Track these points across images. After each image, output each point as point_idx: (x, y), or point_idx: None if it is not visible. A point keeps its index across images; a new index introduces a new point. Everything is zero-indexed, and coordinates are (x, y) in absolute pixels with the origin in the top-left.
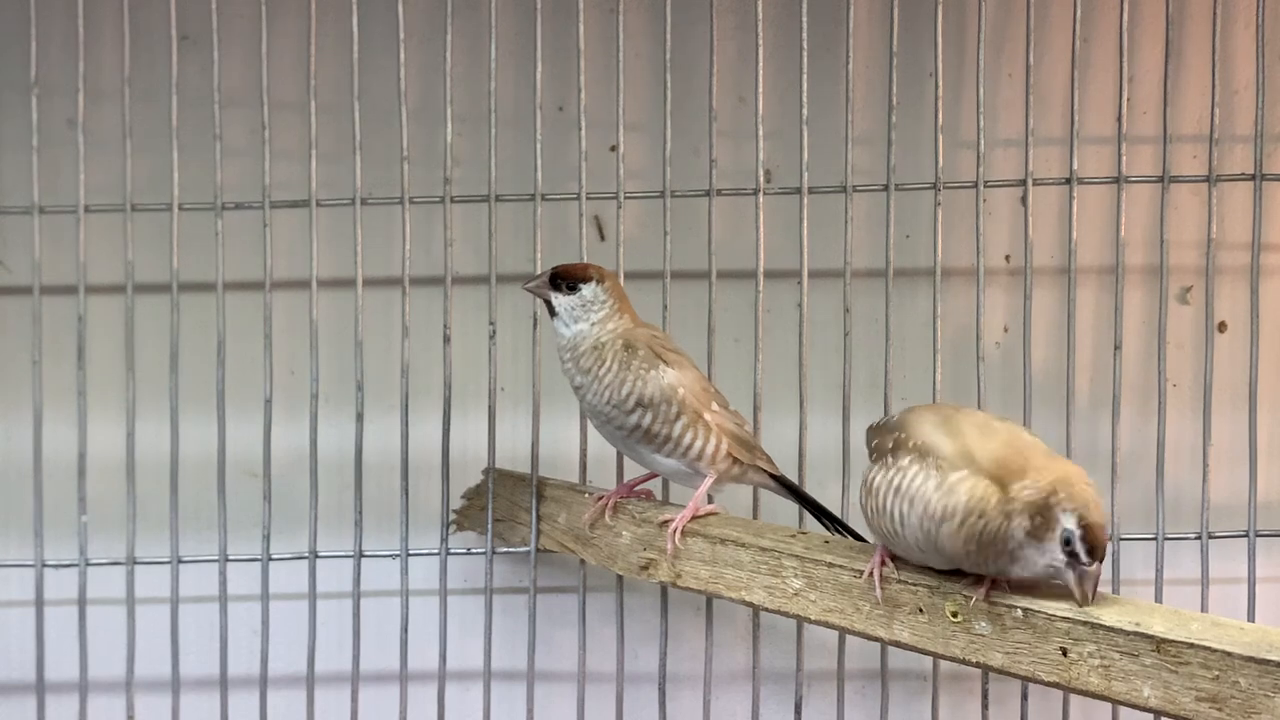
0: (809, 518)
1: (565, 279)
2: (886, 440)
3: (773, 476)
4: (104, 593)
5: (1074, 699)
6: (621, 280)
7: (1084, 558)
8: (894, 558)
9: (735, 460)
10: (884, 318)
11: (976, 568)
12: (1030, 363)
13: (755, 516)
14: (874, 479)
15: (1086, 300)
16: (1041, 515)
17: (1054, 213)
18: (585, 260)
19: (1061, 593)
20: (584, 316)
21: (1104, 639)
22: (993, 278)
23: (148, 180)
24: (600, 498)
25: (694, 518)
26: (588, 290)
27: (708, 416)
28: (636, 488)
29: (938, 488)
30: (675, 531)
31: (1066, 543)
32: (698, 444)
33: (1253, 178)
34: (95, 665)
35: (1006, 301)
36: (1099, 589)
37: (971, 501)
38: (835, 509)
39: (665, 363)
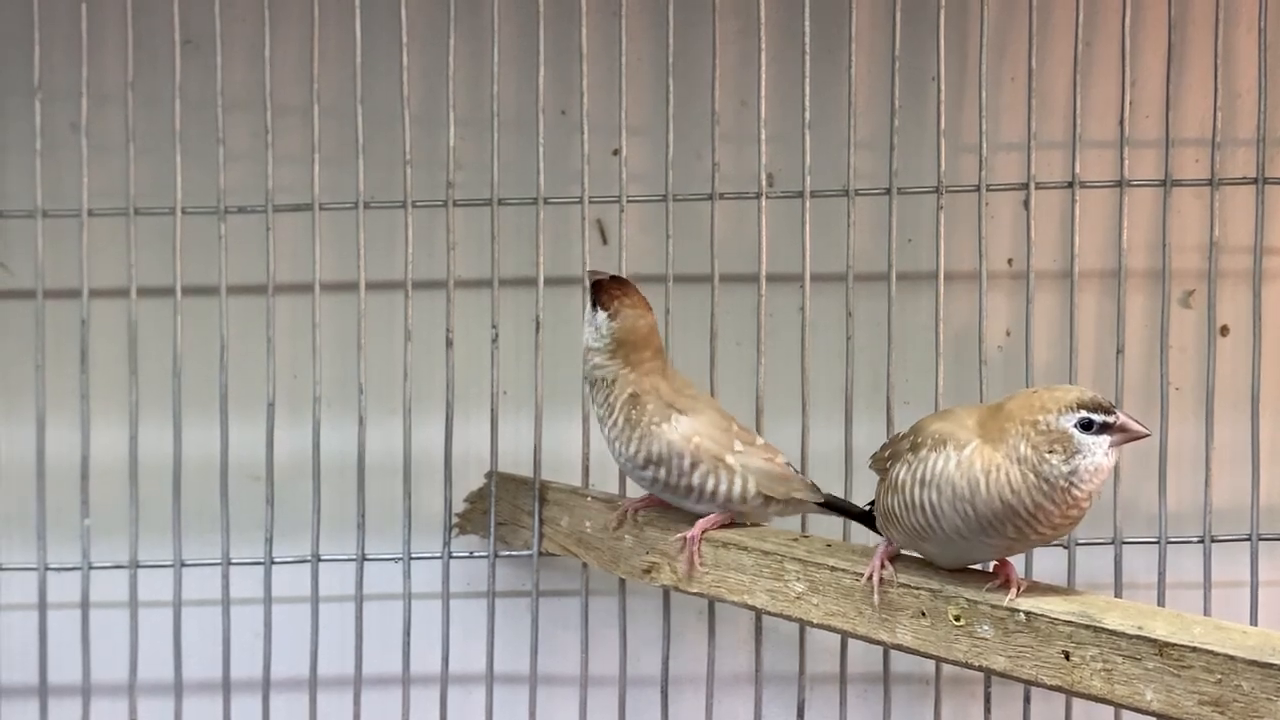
0: (811, 521)
1: (594, 293)
2: (902, 445)
3: (817, 504)
4: (107, 596)
5: (1076, 702)
6: None
7: (1106, 417)
8: (895, 559)
9: (768, 498)
10: (886, 321)
11: (1025, 533)
12: (1032, 366)
13: None
14: (898, 475)
15: (1088, 304)
16: (1056, 443)
17: (1056, 216)
18: (587, 263)
19: (1064, 590)
20: (590, 335)
21: (1106, 642)
22: (995, 281)
23: (150, 184)
24: (625, 506)
25: (705, 530)
26: (599, 317)
27: (730, 459)
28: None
29: (958, 466)
30: (694, 547)
31: (1087, 427)
32: (723, 488)
33: (1255, 181)
34: (98, 668)
35: (1009, 305)
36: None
37: (987, 465)
38: None
39: (679, 410)
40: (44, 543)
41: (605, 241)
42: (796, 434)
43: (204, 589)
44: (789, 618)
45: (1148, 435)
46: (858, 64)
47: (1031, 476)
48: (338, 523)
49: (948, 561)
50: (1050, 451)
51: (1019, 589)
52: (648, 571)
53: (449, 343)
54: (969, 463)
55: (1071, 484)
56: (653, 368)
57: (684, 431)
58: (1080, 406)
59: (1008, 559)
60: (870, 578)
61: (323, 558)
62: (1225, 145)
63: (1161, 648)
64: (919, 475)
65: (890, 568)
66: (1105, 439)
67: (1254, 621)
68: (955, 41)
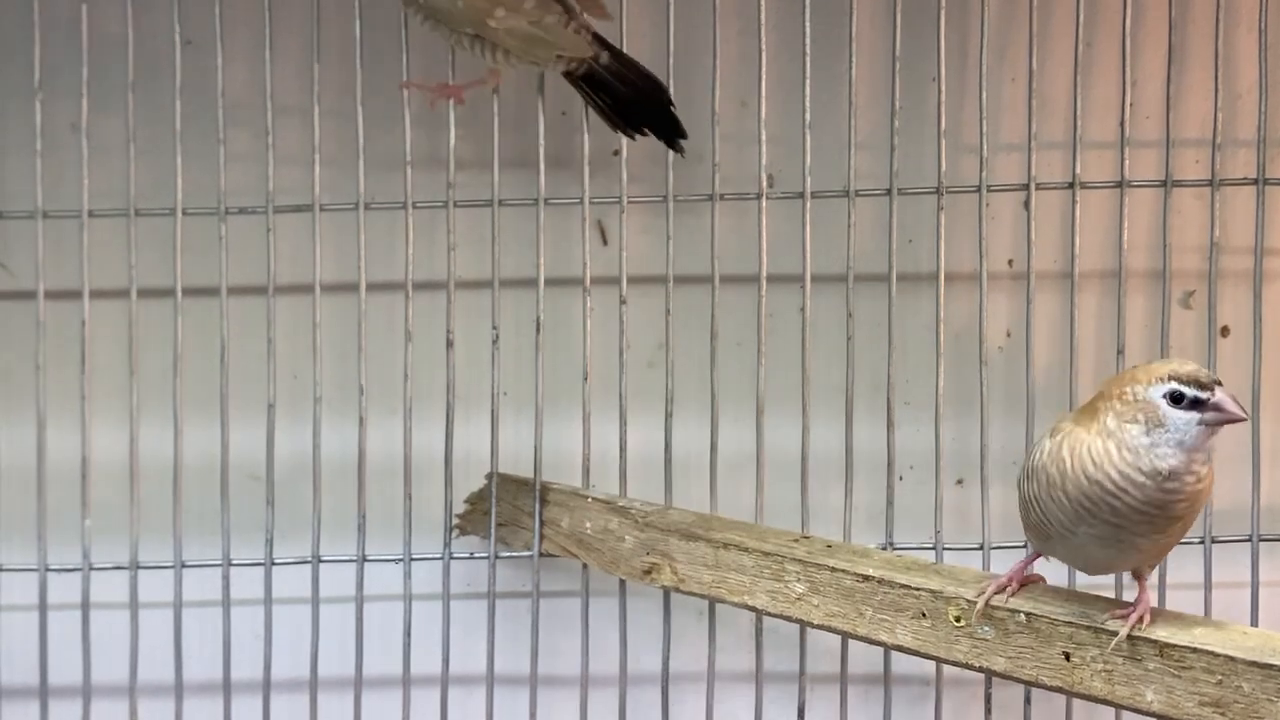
0: (813, 522)
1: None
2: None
3: None
4: (107, 597)
5: (1077, 703)
6: (624, 285)
7: (1199, 392)
8: (1025, 584)
9: None
10: (886, 322)
11: (1125, 521)
12: (1033, 367)
13: (758, 520)
14: (1028, 463)
15: (1089, 304)
16: (1139, 413)
17: (1056, 217)
18: (588, 264)
19: (1065, 591)
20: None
21: (1107, 643)
22: (995, 282)
23: (151, 185)
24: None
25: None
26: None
27: None
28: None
29: (1049, 452)
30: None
31: (1176, 400)
32: None
33: (1255, 182)
34: (98, 670)
35: (1009, 306)
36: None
37: (1073, 444)
38: (838, 515)
39: None
40: (44, 544)
41: (606, 242)
42: (797, 434)
43: (204, 590)
44: (789, 619)
45: (1244, 419)
46: (858, 64)
47: (1112, 447)
48: (338, 524)
49: (1079, 565)
50: (1131, 421)
51: (1138, 623)
52: (648, 572)
53: (449, 343)
54: (1058, 446)
55: (1155, 457)
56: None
57: None
58: (1171, 378)
59: (1144, 581)
60: (984, 594)
61: (323, 559)
62: (1226, 146)
63: (1162, 648)
64: (1025, 470)
65: (1013, 587)
66: (1195, 415)
67: (1254, 622)
68: (955, 42)
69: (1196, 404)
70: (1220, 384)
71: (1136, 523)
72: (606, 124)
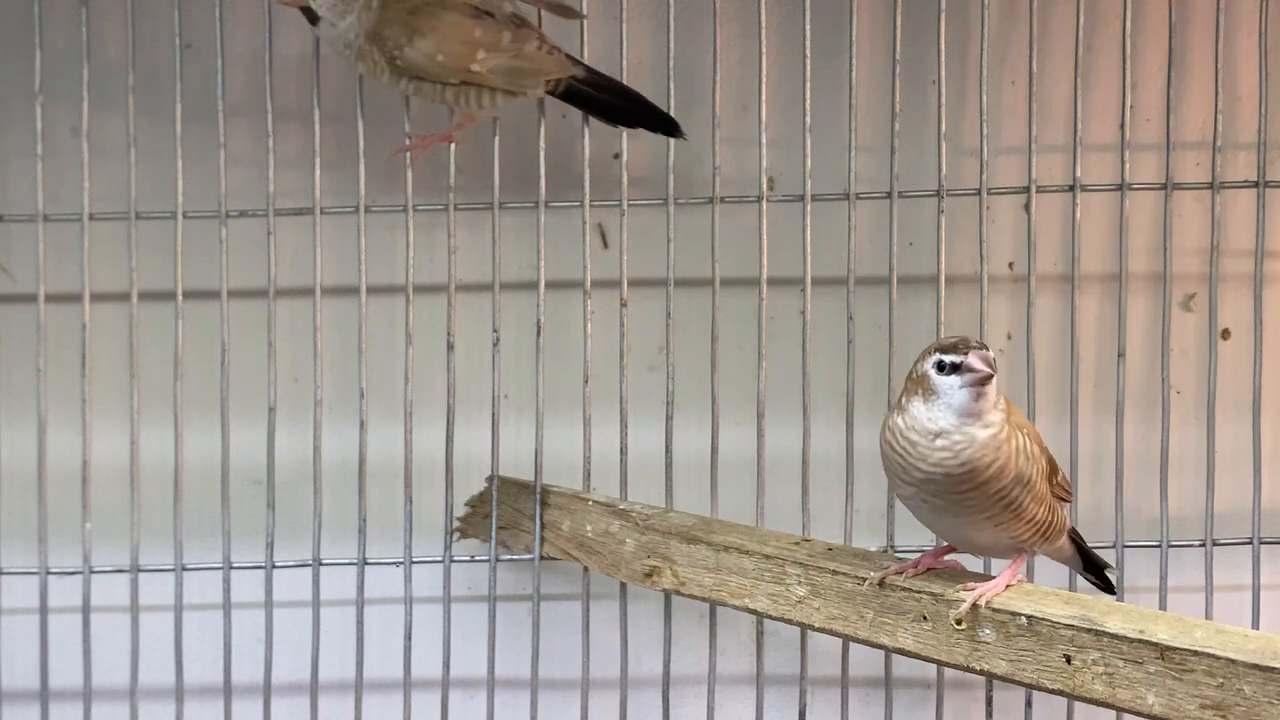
0: (813, 525)
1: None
2: None
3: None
4: (108, 600)
5: (1078, 706)
6: (625, 288)
7: (955, 357)
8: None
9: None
10: (887, 325)
11: (939, 488)
12: (1034, 370)
13: (758, 523)
14: None
15: (1090, 307)
16: (919, 386)
17: (1057, 220)
18: (588, 267)
19: (1065, 594)
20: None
21: (1108, 646)
22: (996, 285)
23: (152, 188)
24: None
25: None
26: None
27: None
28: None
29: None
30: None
31: (940, 368)
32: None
33: (1256, 184)
34: (99, 673)
35: (1010, 308)
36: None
37: (882, 426)
38: (839, 517)
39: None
40: (45, 547)
41: (606, 245)
42: (798, 437)
43: (205, 593)
44: (790, 622)
45: (987, 374)
46: (858, 67)
47: (901, 420)
48: (339, 527)
49: (952, 542)
50: (915, 394)
51: (977, 601)
52: (649, 575)
53: (450, 346)
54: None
55: (928, 420)
56: None
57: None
58: (937, 350)
59: (1018, 562)
60: (883, 573)
61: (324, 562)
62: (1226, 149)
63: (1163, 651)
64: None
65: (910, 572)
66: (955, 379)
67: (1255, 625)
68: (956, 45)
69: (954, 368)
70: (979, 347)
71: (945, 489)
72: (604, 122)
